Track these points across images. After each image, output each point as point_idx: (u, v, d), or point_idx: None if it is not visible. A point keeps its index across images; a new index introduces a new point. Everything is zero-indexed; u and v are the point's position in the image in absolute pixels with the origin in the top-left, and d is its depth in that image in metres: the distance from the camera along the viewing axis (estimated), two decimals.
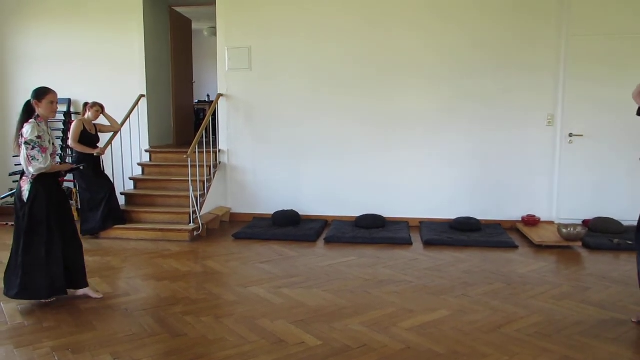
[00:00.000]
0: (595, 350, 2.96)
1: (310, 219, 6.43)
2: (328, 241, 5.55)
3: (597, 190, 6.09)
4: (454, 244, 5.39)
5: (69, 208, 3.84)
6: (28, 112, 3.59)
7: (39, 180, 3.57)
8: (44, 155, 3.49)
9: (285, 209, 6.38)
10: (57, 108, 3.63)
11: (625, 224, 5.75)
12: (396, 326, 3.32)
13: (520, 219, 6.16)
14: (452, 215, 6.19)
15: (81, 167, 4.43)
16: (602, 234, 5.58)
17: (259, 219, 6.49)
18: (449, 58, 6.15)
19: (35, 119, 3.55)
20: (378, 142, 6.38)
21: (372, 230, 5.86)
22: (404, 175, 6.39)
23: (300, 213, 6.39)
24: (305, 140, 6.53)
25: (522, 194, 6.24)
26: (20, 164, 3.65)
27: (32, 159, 3.47)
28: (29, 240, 3.60)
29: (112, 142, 6.26)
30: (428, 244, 5.44)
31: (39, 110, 3.57)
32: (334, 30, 6.34)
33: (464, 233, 5.74)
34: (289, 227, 6.04)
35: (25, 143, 3.47)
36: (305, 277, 4.34)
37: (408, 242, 5.48)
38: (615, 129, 6.01)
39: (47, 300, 3.72)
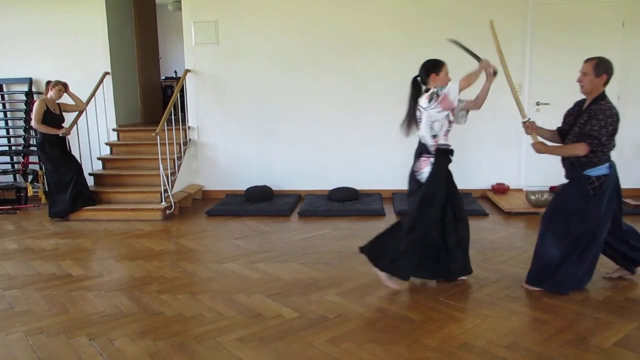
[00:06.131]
0: (563, 311, 3.07)
1: (284, 194, 6.42)
2: (302, 215, 5.57)
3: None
4: None
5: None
6: (417, 88, 3.47)
7: (439, 159, 3.43)
8: None
9: (258, 184, 6.36)
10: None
11: None
12: (371, 295, 3.37)
13: (490, 188, 6.28)
14: None
15: None
16: None
17: (232, 195, 6.45)
18: (414, 30, 6.12)
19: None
20: (349, 116, 6.37)
21: (345, 203, 5.90)
22: (376, 148, 6.40)
23: (274, 188, 6.37)
24: (276, 115, 6.47)
25: (492, 163, 6.34)
26: None
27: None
28: (419, 220, 3.51)
29: (78, 122, 6.09)
30: (401, 214, 5.50)
31: (436, 83, 3.40)
32: (302, 4, 6.23)
33: None
34: (263, 202, 6.02)
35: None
36: (280, 252, 4.36)
37: (381, 214, 5.54)
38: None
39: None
